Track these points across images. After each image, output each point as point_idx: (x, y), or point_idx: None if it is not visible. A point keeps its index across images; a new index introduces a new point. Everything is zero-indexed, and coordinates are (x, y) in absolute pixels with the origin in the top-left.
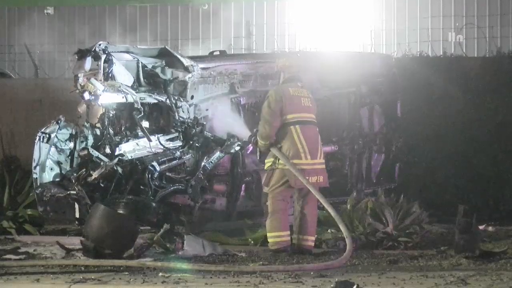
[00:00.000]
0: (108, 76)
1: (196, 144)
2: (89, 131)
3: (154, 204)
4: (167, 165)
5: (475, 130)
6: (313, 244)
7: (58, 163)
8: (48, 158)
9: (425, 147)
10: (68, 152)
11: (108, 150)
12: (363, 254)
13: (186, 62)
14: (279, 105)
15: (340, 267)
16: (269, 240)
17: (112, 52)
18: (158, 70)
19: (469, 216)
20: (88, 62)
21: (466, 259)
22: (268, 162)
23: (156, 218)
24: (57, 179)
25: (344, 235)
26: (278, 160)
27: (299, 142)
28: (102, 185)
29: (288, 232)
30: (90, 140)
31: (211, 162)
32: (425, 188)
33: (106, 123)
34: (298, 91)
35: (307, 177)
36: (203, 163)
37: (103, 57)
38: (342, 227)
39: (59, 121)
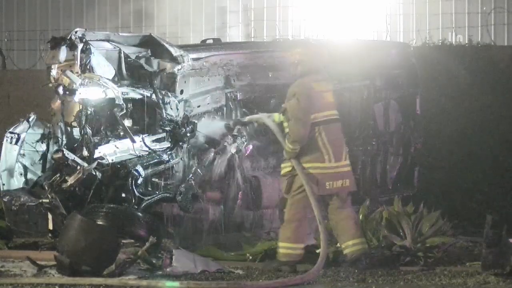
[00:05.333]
0: (86, 68)
1: (186, 146)
2: (64, 131)
3: (138, 214)
4: (153, 169)
5: (505, 129)
6: (366, 246)
7: (29, 168)
8: (17, 162)
9: (448, 148)
10: (40, 154)
11: (85, 153)
12: (378, 271)
13: (175, 51)
14: (309, 102)
15: (303, 283)
16: (279, 250)
17: (90, 40)
18: (143, 61)
19: (499, 227)
20: (63, 52)
21: (495, 276)
22: (286, 167)
23: (141, 230)
24: (28, 186)
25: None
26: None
27: (323, 145)
28: (79, 193)
29: (302, 246)
30: (65, 141)
31: (203, 166)
32: (449, 195)
33: (83, 121)
34: (320, 85)
35: (332, 182)
36: (194, 168)
37: (80, 46)
38: (323, 244)
39: (29, 120)
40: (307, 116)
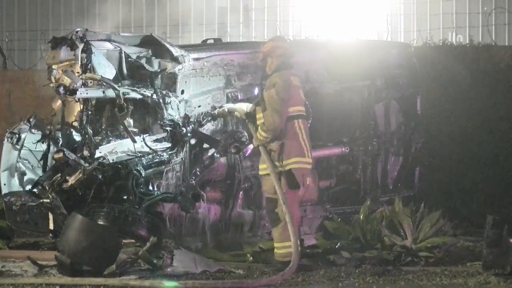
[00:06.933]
0: (87, 68)
1: (187, 146)
2: (65, 131)
3: (139, 214)
4: (153, 169)
5: (506, 129)
6: None
7: (29, 168)
8: (17, 162)
9: (449, 148)
10: (40, 155)
11: (86, 153)
12: (378, 271)
13: (176, 51)
14: (287, 94)
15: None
16: (279, 251)
17: (91, 40)
18: (143, 61)
19: (500, 227)
20: (64, 52)
21: (496, 276)
22: (266, 166)
23: (141, 230)
24: (28, 186)
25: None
26: (283, 161)
27: (302, 140)
28: (80, 193)
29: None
30: (66, 141)
31: (204, 166)
32: (449, 195)
33: (84, 121)
34: (296, 80)
35: (309, 177)
36: (195, 168)
37: (81, 46)
38: (294, 245)
39: (30, 120)
40: (284, 107)
